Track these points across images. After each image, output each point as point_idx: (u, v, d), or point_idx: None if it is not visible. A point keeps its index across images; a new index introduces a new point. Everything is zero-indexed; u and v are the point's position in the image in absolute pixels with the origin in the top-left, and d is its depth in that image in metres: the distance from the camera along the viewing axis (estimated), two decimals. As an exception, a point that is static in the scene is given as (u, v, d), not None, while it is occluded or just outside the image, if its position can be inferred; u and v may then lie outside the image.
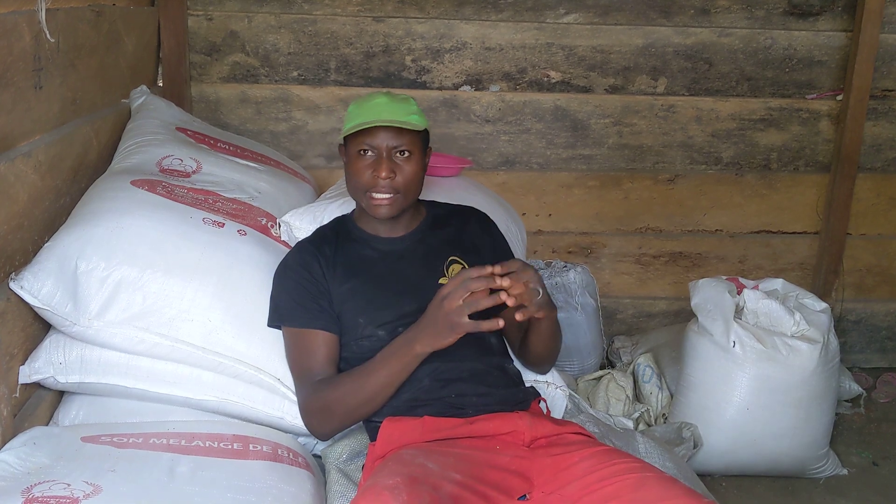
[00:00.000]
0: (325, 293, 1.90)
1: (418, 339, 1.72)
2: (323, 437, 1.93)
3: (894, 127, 3.30)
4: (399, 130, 1.87)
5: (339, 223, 2.06)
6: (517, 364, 2.04)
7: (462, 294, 1.65)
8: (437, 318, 1.68)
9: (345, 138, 1.93)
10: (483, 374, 1.87)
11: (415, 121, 1.89)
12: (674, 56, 3.17)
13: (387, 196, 1.88)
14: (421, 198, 2.04)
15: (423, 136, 1.94)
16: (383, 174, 1.85)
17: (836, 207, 3.28)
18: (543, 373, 2.12)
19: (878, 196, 3.37)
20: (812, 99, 3.25)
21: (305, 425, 1.89)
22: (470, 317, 1.65)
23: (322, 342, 1.87)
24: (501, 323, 1.65)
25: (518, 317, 1.68)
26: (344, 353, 1.90)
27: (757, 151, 3.29)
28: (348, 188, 1.97)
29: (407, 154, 1.89)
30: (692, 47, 3.17)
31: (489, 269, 1.66)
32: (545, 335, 1.94)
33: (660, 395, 2.80)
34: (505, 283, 1.65)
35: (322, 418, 1.84)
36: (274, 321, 1.94)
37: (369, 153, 1.88)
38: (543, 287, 1.76)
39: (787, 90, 3.24)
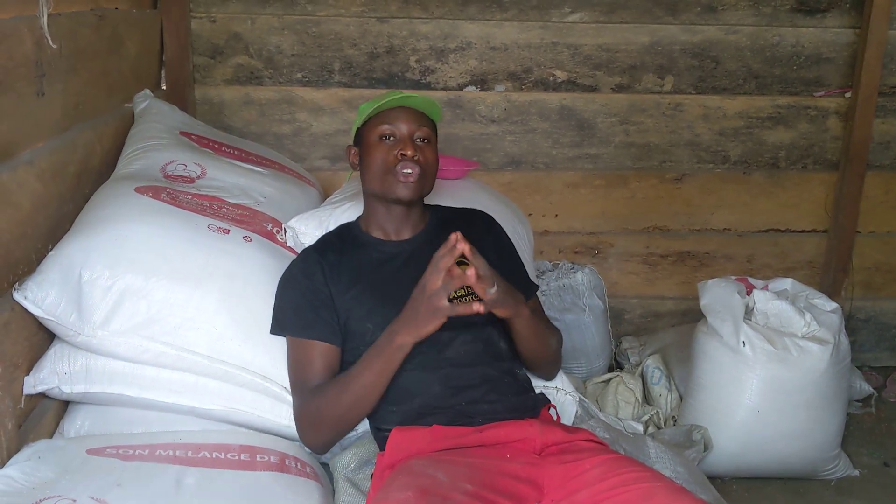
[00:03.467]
0: (328, 303, 1.88)
1: (400, 330, 1.69)
2: (316, 450, 1.90)
3: (903, 124, 3.28)
4: (419, 118, 1.91)
5: (345, 229, 2.04)
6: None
7: (439, 275, 1.64)
8: (419, 304, 1.67)
9: (359, 134, 1.94)
10: (494, 380, 1.85)
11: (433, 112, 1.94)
12: (680, 54, 3.14)
13: (413, 172, 1.86)
14: (426, 201, 2.03)
15: (435, 132, 1.97)
16: (409, 151, 1.86)
17: (844, 205, 3.26)
18: (549, 378, 2.10)
19: (887, 193, 3.34)
20: (820, 96, 3.22)
21: (300, 438, 1.87)
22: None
23: (319, 353, 1.85)
24: (480, 307, 1.63)
25: (476, 308, 1.64)
26: (352, 359, 1.86)
27: (765, 149, 3.27)
28: (367, 178, 1.94)
29: (426, 141, 1.92)
30: (699, 45, 3.14)
31: (452, 239, 1.65)
32: (524, 336, 1.89)
33: (669, 397, 2.78)
34: (464, 246, 1.64)
35: (313, 429, 1.82)
36: (275, 329, 1.93)
37: (391, 138, 1.89)
38: (501, 282, 1.75)
39: (795, 88, 3.21)
